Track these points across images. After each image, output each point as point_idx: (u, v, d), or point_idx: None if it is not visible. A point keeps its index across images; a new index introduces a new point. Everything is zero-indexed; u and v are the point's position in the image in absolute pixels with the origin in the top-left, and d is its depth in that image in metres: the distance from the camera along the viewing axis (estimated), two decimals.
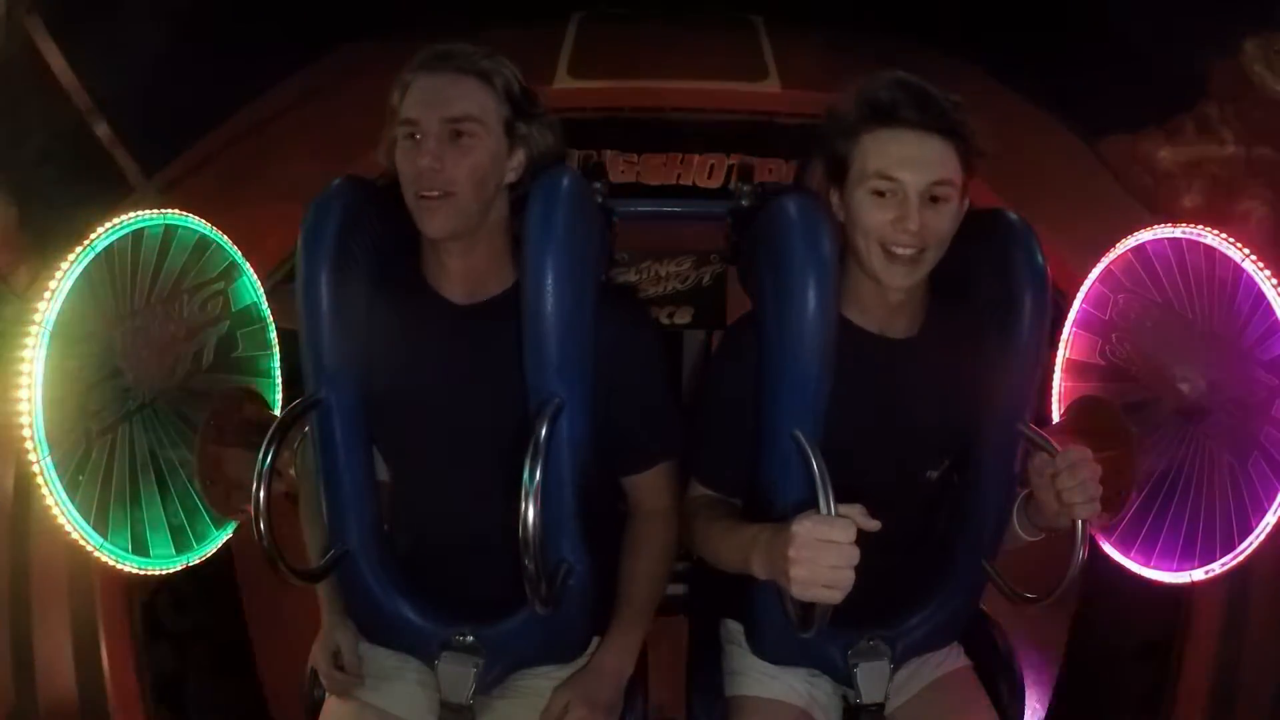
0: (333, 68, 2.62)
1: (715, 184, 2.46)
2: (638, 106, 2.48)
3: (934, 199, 1.28)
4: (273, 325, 1.70)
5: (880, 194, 1.29)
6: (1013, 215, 1.46)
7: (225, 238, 1.58)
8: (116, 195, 1.86)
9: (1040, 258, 1.39)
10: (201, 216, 1.49)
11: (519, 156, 1.38)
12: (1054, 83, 2.44)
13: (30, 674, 1.46)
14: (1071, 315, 1.65)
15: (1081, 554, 1.31)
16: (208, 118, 2.18)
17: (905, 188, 1.27)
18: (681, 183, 2.47)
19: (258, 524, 1.28)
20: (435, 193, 1.30)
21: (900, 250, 1.28)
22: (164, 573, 1.46)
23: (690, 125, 2.47)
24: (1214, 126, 2.16)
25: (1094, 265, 1.59)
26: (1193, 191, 2.13)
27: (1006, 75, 2.59)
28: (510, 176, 1.38)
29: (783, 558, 1.12)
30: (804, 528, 1.11)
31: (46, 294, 1.24)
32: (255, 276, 1.65)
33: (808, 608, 1.19)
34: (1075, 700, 2.03)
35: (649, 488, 1.53)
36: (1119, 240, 1.54)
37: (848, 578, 1.10)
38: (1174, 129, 2.15)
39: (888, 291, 1.35)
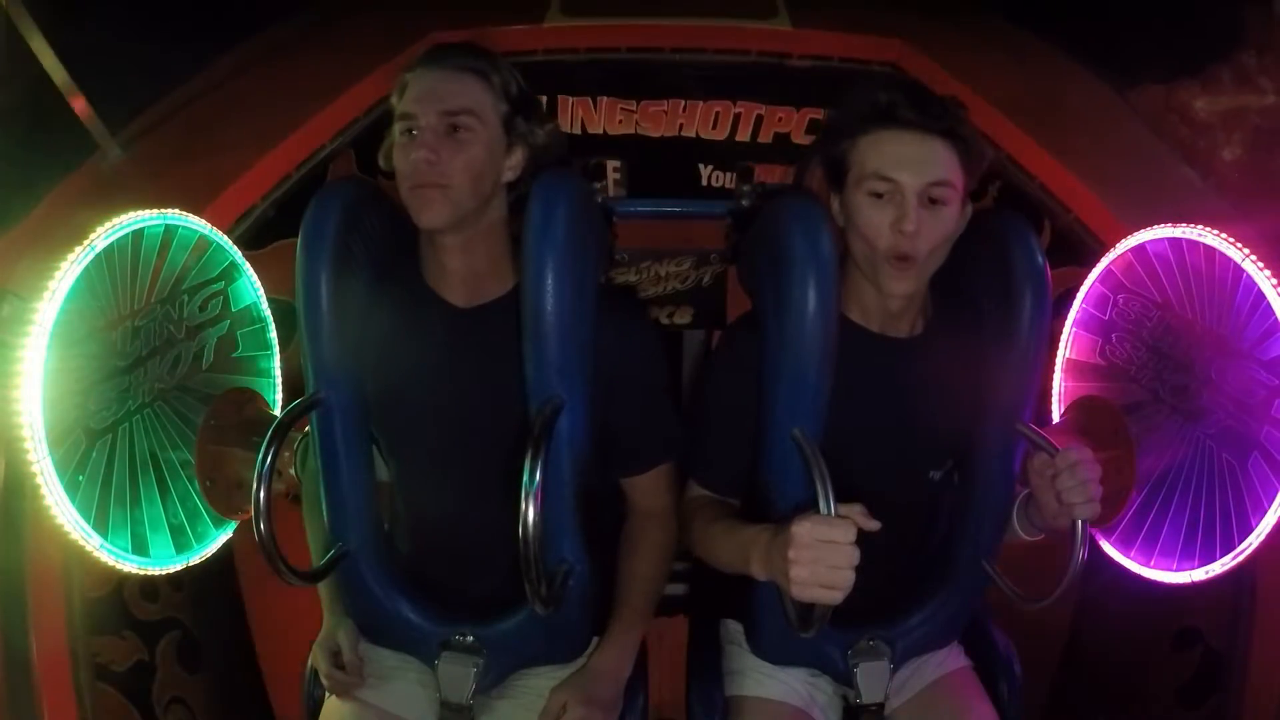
0: (299, 22, 2.51)
1: (719, 135, 2.28)
2: (635, 47, 2.25)
3: (932, 201, 1.27)
4: (272, 325, 1.70)
5: (878, 195, 1.28)
6: (1013, 215, 1.46)
7: (225, 238, 1.58)
8: (80, 153, 1.82)
9: (1040, 258, 1.39)
10: (165, 172, 1.47)
11: (517, 155, 1.38)
12: (1084, 31, 2.28)
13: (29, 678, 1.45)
14: (1071, 315, 1.65)
15: (1081, 554, 1.31)
16: (171, 75, 2.10)
17: (903, 189, 1.26)
18: (684, 134, 2.28)
19: (258, 524, 1.28)
20: (431, 184, 1.30)
21: (899, 254, 1.28)
22: (164, 572, 1.46)
23: (692, 68, 2.25)
24: (1252, 76, 2.07)
25: (1130, 216, 1.55)
26: (1232, 143, 2.05)
27: (1033, 22, 2.42)
28: (509, 175, 1.38)
29: (782, 558, 1.12)
30: (804, 528, 1.10)
31: (46, 294, 1.24)
32: (254, 276, 1.65)
33: (807, 608, 1.19)
34: (1074, 699, 2.03)
35: (648, 488, 1.53)
36: (1157, 191, 1.51)
37: (848, 578, 1.10)
38: (1210, 79, 2.03)
39: (889, 297, 1.35)
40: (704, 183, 2.33)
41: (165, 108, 2.01)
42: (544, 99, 2.08)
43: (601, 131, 2.26)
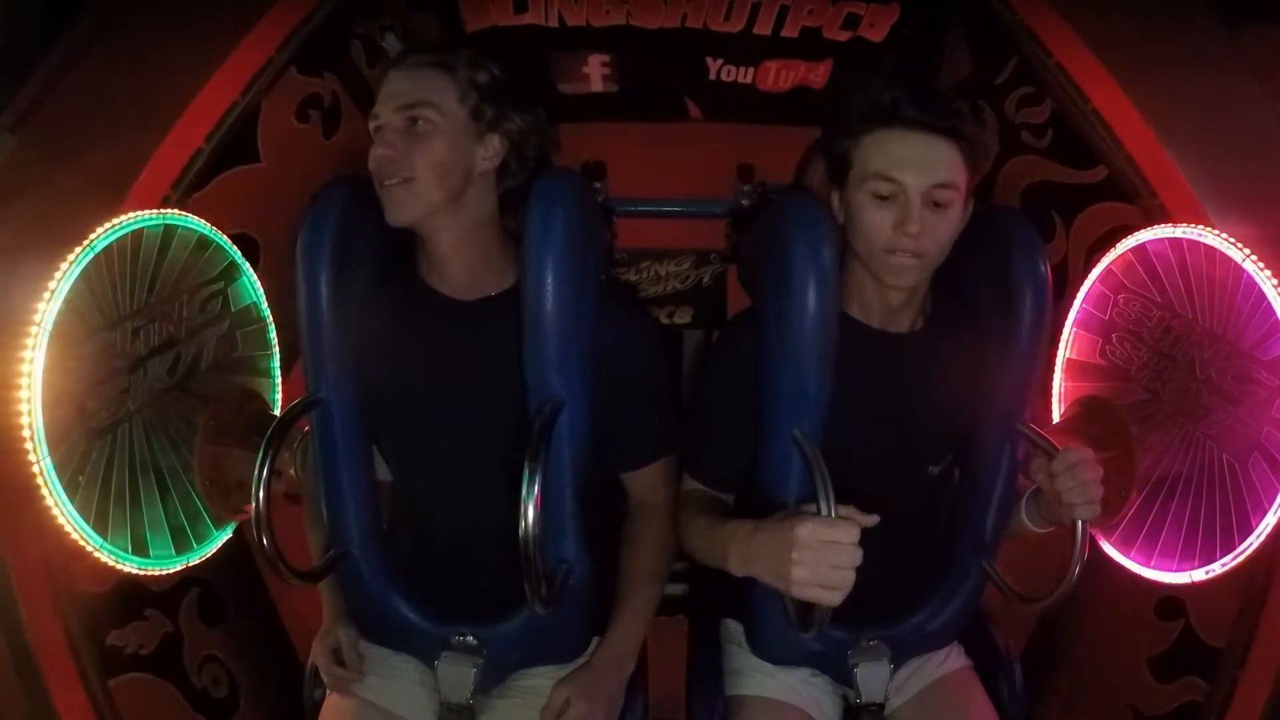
0: None
1: (735, 28, 1.87)
2: None
3: (936, 204, 1.27)
4: (272, 325, 1.70)
5: (881, 197, 1.28)
6: (1014, 215, 1.46)
7: (225, 238, 1.58)
8: None
9: (1040, 258, 1.39)
10: (63, 147, 1.37)
11: (493, 143, 1.37)
12: None
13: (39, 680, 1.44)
14: (1071, 315, 1.65)
15: (1081, 554, 1.31)
16: (36, 44, 1.59)
17: (907, 190, 1.26)
18: (689, 25, 1.88)
19: (258, 524, 1.28)
20: (394, 179, 1.31)
21: (901, 254, 1.28)
22: (164, 573, 1.46)
23: None
24: None
25: (1208, 189, 1.42)
26: None
27: None
28: (485, 165, 1.38)
29: (784, 559, 1.11)
30: (806, 529, 1.10)
31: (46, 294, 1.23)
32: (255, 276, 1.65)
33: (807, 608, 1.18)
34: (1074, 700, 2.03)
35: (648, 485, 1.53)
36: (1251, 149, 1.40)
37: (848, 579, 1.10)
38: None
39: (889, 290, 1.35)
40: (712, 76, 2.00)
41: (41, 79, 1.57)
42: None
43: (585, 23, 1.87)
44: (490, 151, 1.38)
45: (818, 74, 1.96)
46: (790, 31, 1.88)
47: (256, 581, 2.06)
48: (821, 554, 1.09)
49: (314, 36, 1.72)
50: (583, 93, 2.01)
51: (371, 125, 1.35)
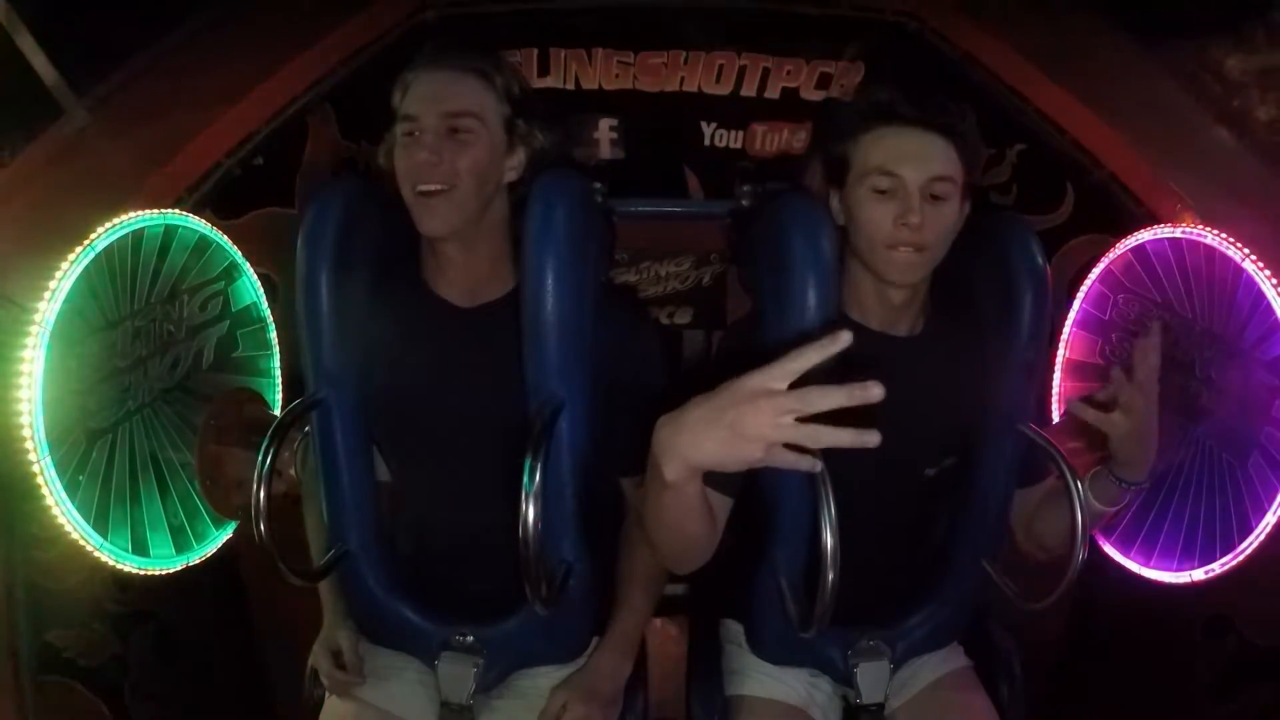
0: None
1: (723, 90, 2.12)
2: None
3: (934, 197, 1.28)
4: (272, 325, 1.70)
5: (881, 191, 1.29)
6: (1013, 216, 1.46)
7: (225, 238, 1.58)
8: (44, 117, 1.67)
9: (1040, 258, 1.39)
10: (128, 132, 1.43)
11: (519, 156, 1.38)
12: None
13: None
14: (1071, 315, 1.65)
15: (1081, 555, 1.31)
16: (140, 34, 1.88)
17: (906, 183, 1.27)
18: (685, 88, 2.12)
19: (258, 524, 1.28)
20: (434, 187, 1.30)
21: (903, 248, 1.28)
22: (164, 572, 1.46)
23: (693, 15, 2.09)
24: None
25: (1167, 175, 1.48)
26: (1267, 103, 1.96)
27: None
28: (510, 176, 1.38)
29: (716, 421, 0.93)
30: (737, 382, 0.93)
31: (46, 294, 1.24)
32: (255, 276, 1.65)
33: (808, 607, 1.18)
34: (1074, 699, 2.03)
35: None
36: (1191, 149, 1.46)
37: (783, 432, 0.93)
38: (1244, 37, 1.86)
39: (890, 289, 1.35)
40: (707, 142, 2.18)
41: (134, 68, 1.82)
42: (535, 52, 2.04)
43: (597, 86, 2.11)
44: (515, 164, 1.38)
45: (799, 138, 2.13)
46: (773, 92, 2.10)
47: (239, 627, 2.02)
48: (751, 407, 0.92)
49: (348, 94, 1.86)
50: (592, 161, 2.15)
51: (406, 125, 1.32)
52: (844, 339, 0.92)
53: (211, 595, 1.90)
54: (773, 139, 2.15)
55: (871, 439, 0.93)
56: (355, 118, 1.52)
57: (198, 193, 1.59)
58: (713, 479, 1.41)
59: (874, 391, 0.91)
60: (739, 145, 2.15)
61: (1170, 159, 1.51)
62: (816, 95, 2.09)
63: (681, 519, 1.12)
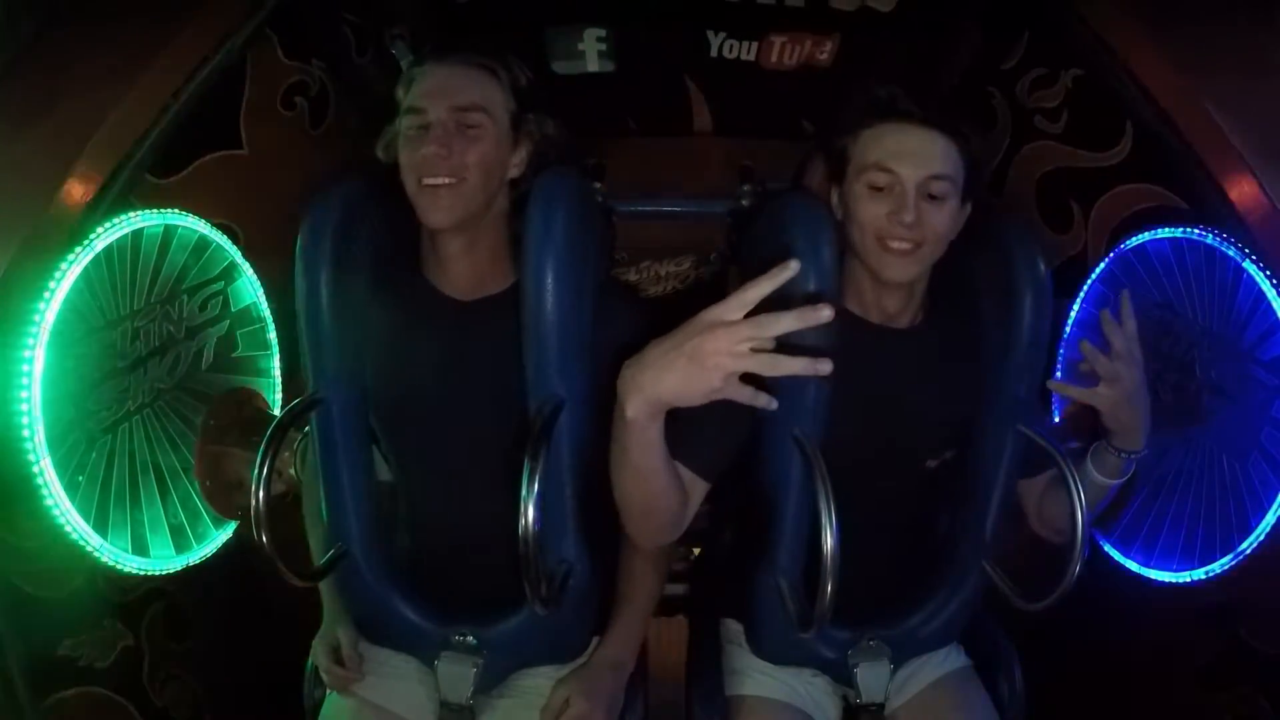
0: None
1: None
2: None
3: (931, 196, 1.28)
4: (273, 325, 1.70)
5: (877, 188, 1.29)
6: (1013, 217, 1.45)
7: (225, 237, 1.58)
8: None
9: (1041, 258, 1.38)
10: (33, 117, 1.26)
11: (522, 152, 1.38)
12: None
13: None
14: (1071, 315, 1.65)
15: (1081, 554, 1.31)
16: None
17: (902, 180, 1.27)
18: None
19: (258, 524, 1.27)
20: (441, 180, 1.30)
21: (896, 244, 1.28)
22: (164, 573, 1.46)
23: None
24: None
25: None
26: None
27: None
28: (513, 172, 1.38)
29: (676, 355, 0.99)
30: (695, 317, 0.99)
31: (46, 294, 1.24)
32: (255, 277, 1.65)
33: (808, 607, 1.18)
34: (1074, 699, 2.03)
35: None
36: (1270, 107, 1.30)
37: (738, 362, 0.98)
38: None
39: (886, 290, 1.35)
40: (713, 53, 1.87)
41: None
42: None
43: None
44: (519, 159, 1.38)
45: (824, 49, 1.84)
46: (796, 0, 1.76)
47: (242, 589, 1.92)
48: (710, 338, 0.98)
49: (301, 16, 1.65)
50: (578, 73, 1.88)
51: (412, 119, 1.32)
52: (825, 314, 0.96)
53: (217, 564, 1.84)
54: (792, 50, 1.85)
55: (824, 367, 0.98)
56: (298, 35, 1.37)
57: (146, 142, 1.42)
58: (688, 454, 1.37)
59: (824, 313, 0.96)
60: (752, 57, 1.86)
61: (1240, 121, 1.31)
62: (850, 5, 1.75)
63: (642, 463, 1.15)
